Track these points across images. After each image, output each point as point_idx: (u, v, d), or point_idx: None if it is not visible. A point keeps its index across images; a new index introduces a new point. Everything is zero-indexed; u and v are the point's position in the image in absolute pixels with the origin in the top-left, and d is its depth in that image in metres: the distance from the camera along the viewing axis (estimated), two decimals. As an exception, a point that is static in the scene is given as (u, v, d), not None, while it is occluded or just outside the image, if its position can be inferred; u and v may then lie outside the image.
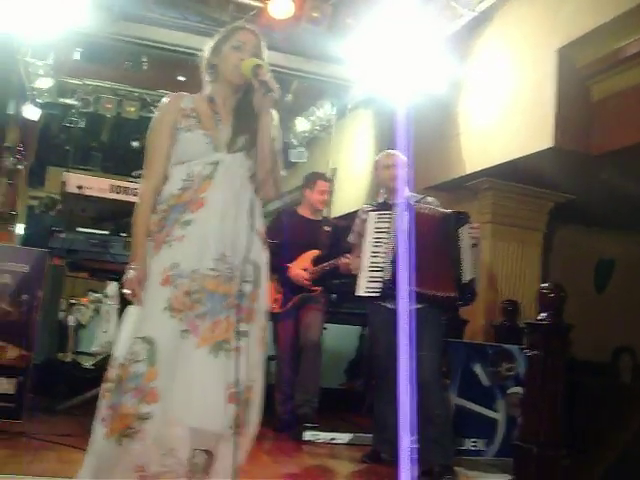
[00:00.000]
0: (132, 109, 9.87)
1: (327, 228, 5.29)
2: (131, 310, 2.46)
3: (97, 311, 8.10)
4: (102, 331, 7.59)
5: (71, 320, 7.69)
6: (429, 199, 4.47)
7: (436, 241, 4.12)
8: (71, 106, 10.12)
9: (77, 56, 7.97)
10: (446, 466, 4.06)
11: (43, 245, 4.64)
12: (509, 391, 4.94)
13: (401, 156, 4.47)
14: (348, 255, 4.62)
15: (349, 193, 8.62)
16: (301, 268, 5.16)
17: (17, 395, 4.14)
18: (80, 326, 7.93)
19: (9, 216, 7.92)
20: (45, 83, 8.52)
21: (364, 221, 4.31)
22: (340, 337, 6.61)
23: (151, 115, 9.04)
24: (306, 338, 5.16)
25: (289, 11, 6.15)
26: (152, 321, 2.35)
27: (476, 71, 6.28)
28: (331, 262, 4.99)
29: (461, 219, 4.17)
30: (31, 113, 8.71)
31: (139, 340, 2.32)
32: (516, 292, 6.43)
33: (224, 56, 2.57)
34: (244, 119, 2.56)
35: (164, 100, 2.61)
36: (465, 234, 4.13)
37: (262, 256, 2.54)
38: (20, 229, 8.48)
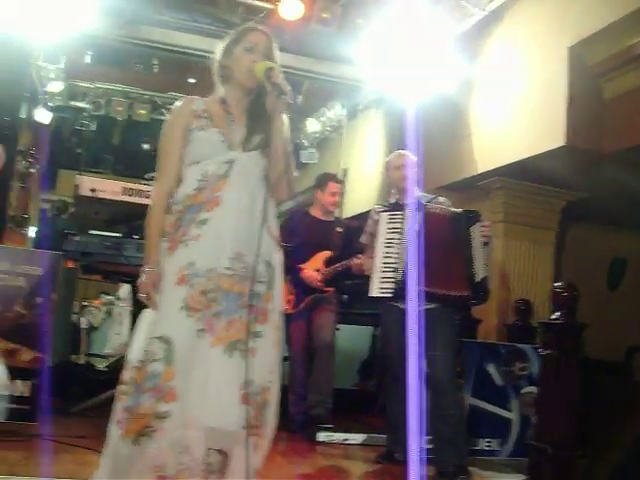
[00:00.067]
0: (143, 112, 9.90)
1: (339, 229, 5.29)
2: (146, 313, 2.46)
3: (109, 313, 8.11)
4: (115, 333, 7.60)
5: (83, 322, 7.71)
6: (441, 199, 4.47)
7: (448, 240, 4.12)
8: (82, 109, 10.16)
9: (88, 59, 8.01)
10: (460, 466, 4.06)
11: (55, 248, 4.65)
12: (523, 391, 4.92)
13: (412, 156, 4.47)
14: (360, 256, 4.62)
15: (360, 193, 8.61)
16: (313, 269, 5.17)
17: (32, 397, 4.16)
18: (92, 328, 7.95)
19: (22, 219, 7.94)
20: (56, 86, 8.56)
21: (376, 222, 4.31)
22: (352, 337, 6.61)
23: (162, 118, 9.11)
24: (319, 339, 5.16)
25: (299, 12, 6.17)
26: (168, 321, 2.36)
27: (487, 70, 6.27)
28: (343, 263, 4.99)
29: (472, 218, 4.17)
30: (43, 117, 8.74)
31: (155, 340, 2.33)
32: (529, 291, 6.41)
33: (236, 58, 2.57)
34: (257, 119, 2.56)
35: (176, 104, 2.62)
36: (476, 233, 4.13)
37: (276, 256, 2.54)
38: (33, 232, 8.50)
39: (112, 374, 5.33)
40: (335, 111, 9.21)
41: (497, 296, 6.24)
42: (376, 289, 4.16)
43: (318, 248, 5.20)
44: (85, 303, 7.89)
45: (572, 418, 3.86)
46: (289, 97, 2.45)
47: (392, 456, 4.36)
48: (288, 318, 5.08)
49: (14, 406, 4.10)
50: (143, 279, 2.44)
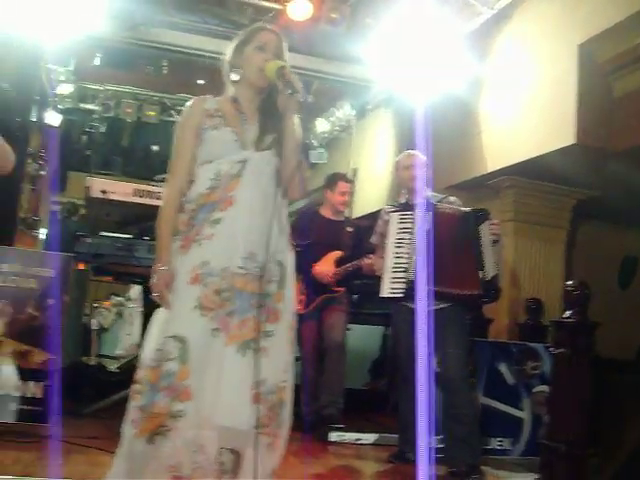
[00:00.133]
0: (152, 113, 9.95)
1: (349, 229, 5.29)
2: (159, 312, 2.46)
3: (120, 314, 8.15)
4: (126, 334, 7.63)
5: (94, 324, 7.74)
6: (451, 199, 4.47)
7: (457, 240, 4.12)
8: (92, 111, 10.21)
9: (97, 61, 8.03)
10: (473, 465, 4.06)
11: (66, 250, 4.67)
12: (535, 390, 4.91)
13: (421, 156, 4.47)
14: (371, 256, 4.62)
15: (370, 193, 8.61)
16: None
17: (44, 399, 4.17)
18: (102, 330, 7.98)
19: (33, 221, 7.97)
20: (66, 89, 8.60)
21: (386, 222, 4.31)
22: (363, 337, 6.61)
23: (171, 119, 9.12)
24: (330, 339, 5.17)
25: (308, 13, 6.18)
26: (182, 320, 2.37)
27: (496, 69, 6.26)
28: (354, 263, 4.99)
29: (481, 216, 4.17)
30: (53, 119, 8.78)
31: (170, 339, 2.33)
32: (540, 290, 6.39)
33: (247, 57, 2.57)
34: (269, 119, 2.57)
35: (188, 103, 2.62)
36: (485, 231, 4.13)
37: (288, 256, 2.54)
38: (43, 234, 8.53)
39: (123, 375, 5.37)
40: (344, 111, 9.23)
41: (508, 295, 6.24)
42: (387, 289, 4.15)
43: (328, 248, 5.20)
44: (96, 304, 7.92)
45: (584, 417, 3.85)
46: (301, 95, 2.45)
47: (404, 456, 4.36)
48: (299, 318, 5.06)
49: (26, 407, 4.11)
50: (156, 278, 2.44)
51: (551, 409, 4.19)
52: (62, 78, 8.51)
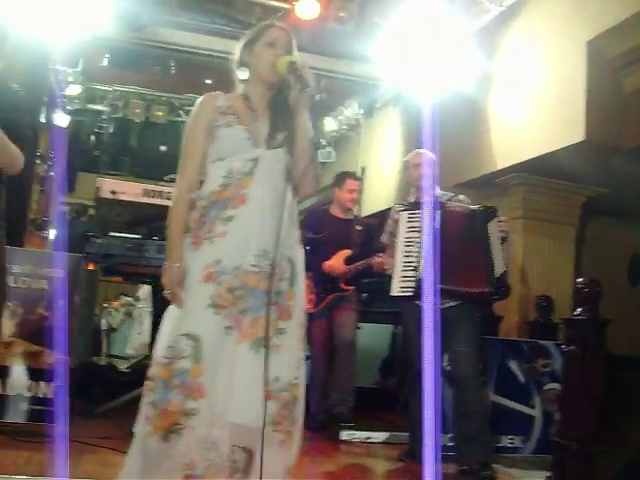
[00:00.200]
0: (160, 113, 9.97)
1: (359, 227, 5.29)
2: (171, 310, 2.46)
3: (129, 314, 8.16)
4: (136, 333, 7.65)
5: (103, 324, 7.76)
6: (460, 197, 4.47)
7: (466, 237, 4.12)
8: (100, 112, 10.23)
9: (105, 62, 8.03)
10: (485, 463, 4.05)
11: (75, 250, 4.68)
12: (545, 387, 4.91)
13: (430, 155, 4.46)
14: (381, 254, 4.61)
15: (379, 191, 8.61)
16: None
17: (55, 399, 4.18)
18: (111, 329, 8.00)
19: (42, 222, 7.99)
20: (75, 90, 8.61)
21: (396, 221, 4.31)
22: (373, 336, 6.61)
23: (179, 119, 9.12)
24: (340, 337, 5.17)
25: (315, 12, 6.18)
26: (195, 318, 2.37)
27: (504, 66, 6.24)
28: (365, 261, 4.98)
29: (489, 214, 4.17)
30: (61, 120, 8.79)
31: (183, 337, 2.33)
32: (549, 288, 6.37)
33: (257, 54, 2.56)
34: (280, 116, 2.56)
35: (199, 100, 2.60)
36: (494, 228, 4.13)
37: (298, 253, 2.55)
38: (52, 235, 8.55)
39: (134, 375, 5.38)
40: (352, 109, 9.23)
41: (518, 293, 6.23)
42: (397, 288, 4.15)
43: (338, 246, 5.20)
44: (105, 304, 7.95)
45: (595, 414, 3.84)
46: (312, 90, 2.44)
47: (414, 454, 4.34)
48: (309, 317, 5.07)
49: (38, 407, 4.13)
50: (168, 276, 2.44)
51: (562, 407, 4.18)
52: (70, 79, 8.53)
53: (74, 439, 3.90)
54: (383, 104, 8.59)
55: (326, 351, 5.22)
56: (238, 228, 2.40)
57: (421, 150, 4.54)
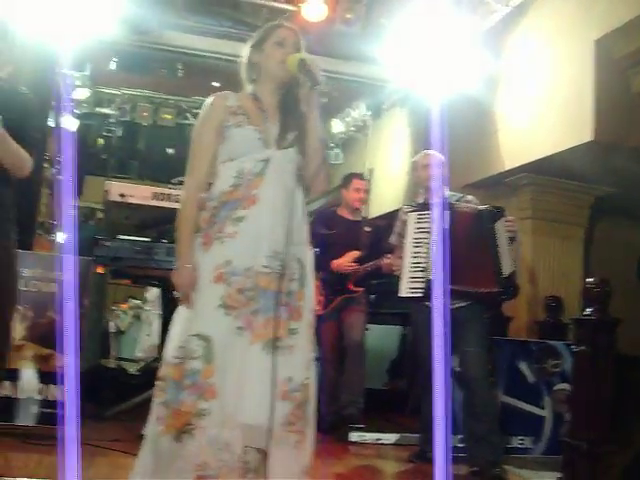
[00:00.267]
0: (168, 116, 9.99)
1: (367, 228, 5.29)
2: (181, 310, 2.47)
3: (137, 317, 8.19)
4: (145, 335, 7.67)
5: (111, 327, 7.78)
6: (469, 197, 4.47)
7: (474, 238, 4.12)
8: (108, 115, 10.25)
9: (113, 66, 8.05)
10: (495, 463, 4.05)
11: (84, 254, 4.69)
12: (555, 388, 4.89)
13: (438, 155, 4.46)
14: (389, 255, 4.61)
15: (386, 193, 8.60)
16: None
17: (65, 402, 4.18)
18: (119, 332, 8.02)
19: (50, 226, 8.01)
20: (82, 93, 8.63)
21: (404, 222, 4.31)
22: (382, 337, 6.62)
23: (187, 122, 9.12)
24: (350, 339, 5.17)
25: (322, 14, 6.18)
26: (205, 318, 2.37)
27: (512, 66, 6.22)
28: (374, 263, 4.99)
29: (496, 214, 4.16)
30: (69, 124, 8.82)
31: (194, 337, 2.34)
32: (558, 288, 6.35)
33: (267, 53, 2.57)
34: (290, 115, 2.57)
35: (208, 100, 2.60)
36: (501, 228, 4.12)
37: (307, 254, 2.55)
38: (61, 238, 8.58)
39: (144, 378, 5.39)
40: (360, 111, 9.24)
41: (527, 293, 6.21)
42: (405, 289, 4.16)
43: (347, 248, 5.20)
44: (113, 307, 7.97)
45: (606, 415, 3.83)
46: (323, 87, 2.45)
47: (425, 455, 4.34)
48: (318, 319, 5.08)
49: (48, 410, 4.14)
50: (179, 276, 2.45)
51: (572, 407, 4.18)
52: (78, 83, 8.55)
53: (85, 442, 3.92)
54: (390, 105, 8.59)
55: (335, 353, 5.22)
56: (249, 229, 2.41)
57: (429, 151, 4.54)
